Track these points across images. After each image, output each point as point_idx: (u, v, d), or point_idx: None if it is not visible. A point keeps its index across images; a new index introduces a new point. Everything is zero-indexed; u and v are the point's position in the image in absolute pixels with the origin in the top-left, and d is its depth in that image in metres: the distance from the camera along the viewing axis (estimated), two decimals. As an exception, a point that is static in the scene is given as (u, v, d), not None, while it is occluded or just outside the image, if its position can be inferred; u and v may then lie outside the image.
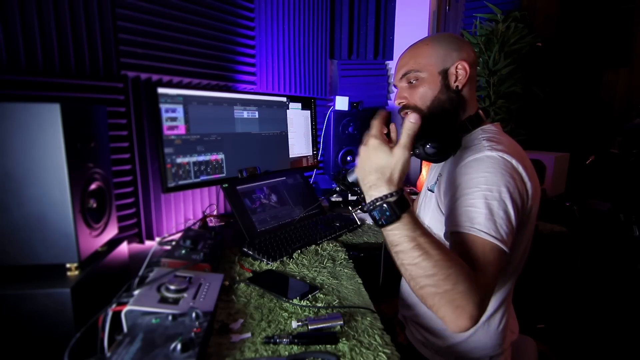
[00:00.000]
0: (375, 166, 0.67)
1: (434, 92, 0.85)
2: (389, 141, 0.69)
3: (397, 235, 0.65)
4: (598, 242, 1.73)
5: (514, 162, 0.73)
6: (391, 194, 0.65)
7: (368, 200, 0.67)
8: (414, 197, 1.26)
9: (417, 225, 0.65)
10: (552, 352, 1.08)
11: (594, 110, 2.25)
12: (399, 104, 0.91)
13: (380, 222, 0.65)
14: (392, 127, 0.78)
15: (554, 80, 2.24)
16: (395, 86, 0.93)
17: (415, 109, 0.87)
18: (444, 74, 0.84)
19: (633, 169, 1.80)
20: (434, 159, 0.85)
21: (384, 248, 1.10)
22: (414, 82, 0.87)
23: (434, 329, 0.89)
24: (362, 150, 0.70)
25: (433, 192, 0.90)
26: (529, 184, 0.74)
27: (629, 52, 2.12)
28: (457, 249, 0.69)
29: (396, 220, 0.64)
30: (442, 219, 0.83)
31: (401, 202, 0.65)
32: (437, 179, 0.90)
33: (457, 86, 0.84)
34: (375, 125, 0.70)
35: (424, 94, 0.86)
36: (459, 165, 0.79)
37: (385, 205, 0.64)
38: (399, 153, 0.66)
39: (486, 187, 0.70)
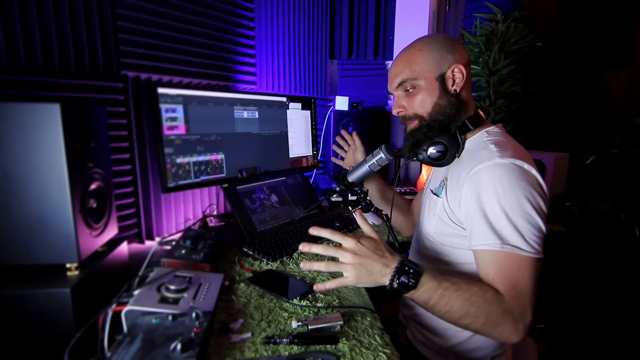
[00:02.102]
0: (377, 253, 0.72)
1: (434, 98, 0.84)
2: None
3: (426, 291, 0.69)
4: (598, 242, 1.73)
5: (525, 166, 0.73)
6: (401, 259, 0.71)
7: (388, 279, 0.70)
8: (412, 197, 1.26)
9: (435, 274, 0.71)
10: (552, 352, 1.08)
11: (594, 110, 2.25)
12: (397, 113, 0.90)
13: (411, 283, 0.69)
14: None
15: (554, 80, 2.24)
16: (390, 94, 0.92)
17: (416, 117, 0.87)
18: (441, 78, 0.83)
19: (633, 169, 1.80)
20: (438, 163, 0.85)
21: None
22: (410, 90, 0.86)
23: (435, 328, 0.89)
24: (357, 247, 0.72)
25: (439, 196, 0.88)
26: (544, 186, 0.75)
27: (629, 52, 2.12)
28: (488, 267, 0.72)
29: (422, 274, 0.70)
30: (451, 223, 0.83)
31: (410, 262, 0.71)
32: (443, 183, 0.89)
33: (455, 90, 0.84)
34: (346, 239, 0.74)
35: (423, 102, 0.85)
36: (469, 173, 0.77)
37: (406, 267, 0.70)
38: (374, 236, 0.76)
39: (505, 201, 0.70)
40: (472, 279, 0.73)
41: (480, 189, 0.74)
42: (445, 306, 0.69)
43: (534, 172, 0.74)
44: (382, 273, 0.70)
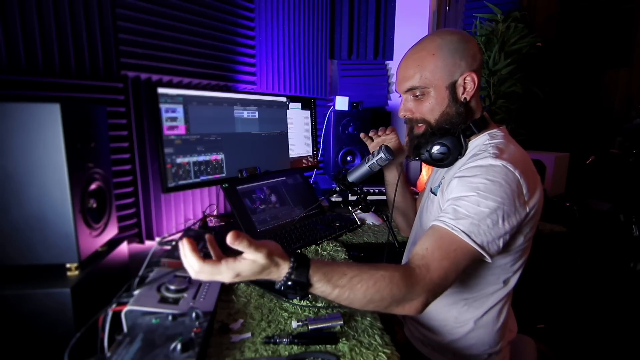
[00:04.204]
0: (256, 272, 0.61)
1: (442, 107, 0.83)
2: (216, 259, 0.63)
3: (320, 290, 0.64)
4: (598, 242, 1.73)
5: (516, 172, 0.73)
6: (289, 269, 0.62)
7: (278, 286, 0.64)
8: (415, 197, 1.25)
9: (324, 266, 0.64)
10: (552, 352, 1.08)
11: (594, 110, 2.25)
12: (403, 116, 0.88)
13: (299, 292, 0.64)
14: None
15: (554, 80, 2.24)
16: (398, 92, 0.91)
17: (423, 122, 0.86)
18: (452, 87, 0.81)
19: (633, 169, 1.80)
20: (439, 164, 0.85)
21: (387, 248, 1.10)
22: (420, 96, 0.84)
23: (432, 326, 0.89)
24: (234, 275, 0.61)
25: (436, 194, 0.90)
26: (527, 195, 0.74)
27: (629, 52, 2.12)
28: (430, 238, 0.72)
29: (307, 281, 0.62)
30: None
31: (299, 266, 0.62)
32: (441, 182, 0.90)
33: (465, 98, 0.82)
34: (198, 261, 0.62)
35: (432, 109, 0.84)
36: (462, 169, 0.79)
37: (289, 283, 0.62)
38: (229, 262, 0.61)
39: (483, 193, 0.71)
40: (378, 263, 0.69)
41: (466, 180, 0.75)
42: (347, 300, 0.65)
43: (522, 180, 0.73)
44: (272, 278, 0.63)
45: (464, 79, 0.81)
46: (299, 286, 0.62)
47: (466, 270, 0.73)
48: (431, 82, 0.81)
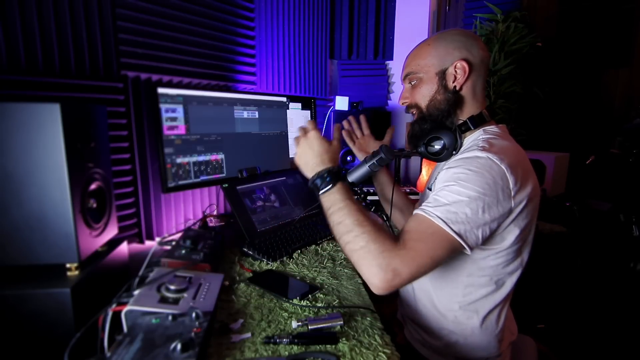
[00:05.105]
0: (318, 151, 0.86)
1: (431, 92, 0.87)
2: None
3: (331, 198, 0.79)
4: (598, 242, 1.73)
5: (502, 165, 0.72)
6: (332, 167, 0.84)
7: (312, 175, 0.84)
8: (415, 197, 1.26)
9: (349, 193, 0.80)
10: (552, 352, 1.08)
11: (594, 110, 2.25)
12: (402, 103, 0.94)
13: (321, 187, 0.81)
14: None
15: (554, 80, 2.24)
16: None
17: (416, 107, 0.90)
18: (442, 74, 0.85)
19: (633, 169, 1.80)
20: (435, 157, 0.86)
21: None
22: (414, 83, 0.89)
23: (431, 328, 0.89)
24: (303, 140, 0.88)
25: (431, 190, 0.91)
26: (515, 189, 0.73)
27: (629, 52, 2.12)
28: (410, 223, 0.74)
29: (333, 185, 0.80)
30: None
31: (338, 173, 0.83)
32: (436, 178, 0.90)
33: (455, 86, 0.84)
34: (312, 123, 0.91)
35: (424, 94, 0.88)
36: (449, 161, 0.82)
37: (326, 174, 0.82)
38: (335, 144, 0.90)
39: (464, 182, 0.72)
40: (379, 225, 0.76)
41: (450, 171, 0.76)
42: (340, 217, 0.76)
43: (509, 173, 0.72)
44: (312, 169, 0.85)
45: (455, 66, 0.83)
46: (331, 177, 0.81)
47: (444, 259, 0.72)
48: (422, 69, 0.87)
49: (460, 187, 0.72)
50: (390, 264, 0.68)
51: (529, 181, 0.76)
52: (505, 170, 0.72)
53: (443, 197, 0.73)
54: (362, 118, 1.23)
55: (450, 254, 0.72)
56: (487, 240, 0.75)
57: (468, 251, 0.71)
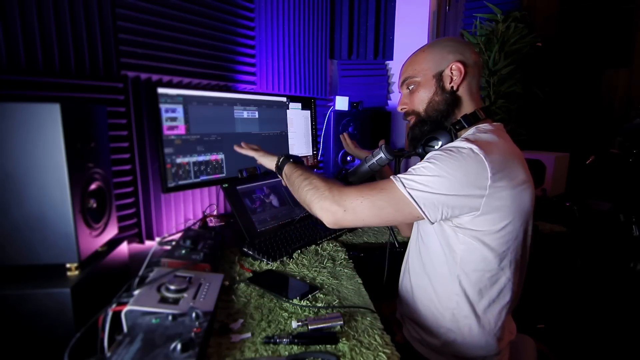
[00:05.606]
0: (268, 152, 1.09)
1: (430, 94, 0.89)
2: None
3: (290, 168, 0.96)
4: (598, 242, 1.73)
5: (482, 154, 0.73)
6: (280, 156, 1.03)
7: (276, 161, 1.03)
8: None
9: (301, 165, 0.97)
10: (552, 352, 1.08)
11: (594, 110, 2.25)
12: (401, 109, 0.96)
13: (281, 165, 1.00)
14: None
15: (554, 80, 2.24)
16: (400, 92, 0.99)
17: (413, 113, 0.93)
18: (439, 76, 0.88)
19: (633, 169, 1.80)
20: None
21: (388, 247, 1.11)
22: (412, 87, 0.92)
23: (429, 327, 0.90)
24: (254, 152, 1.10)
25: None
26: (492, 178, 0.73)
27: (629, 52, 2.12)
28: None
29: (287, 161, 0.99)
30: None
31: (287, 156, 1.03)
32: None
33: (452, 87, 0.87)
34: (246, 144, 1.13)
35: (421, 98, 0.90)
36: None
37: (283, 156, 1.02)
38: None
39: (437, 162, 0.76)
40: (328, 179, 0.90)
41: (432, 154, 0.80)
42: (298, 178, 0.91)
43: (487, 162, 0.73)
44: (271, 160, 1.04)
45: (451, 68, 0.86)
46: (285, 159, 1.01)
47: (393, 217, 0.80)
48: (419, 72, 0.90)
49: (433, 165, 0.76)
50: (336, 198, 0.80)
51: (513, 174, 0.77)
52: (484, 158, 0.73)
53: (414, 169, 0.79)
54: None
55: (404, 215, 0.78)
56: (463, 227, 0.79)
57: (427, 217, 0.76)
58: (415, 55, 0.93)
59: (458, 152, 0.76)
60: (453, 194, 0.74)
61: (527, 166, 0.82)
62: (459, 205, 0.75)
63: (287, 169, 0.98)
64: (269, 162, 1.05)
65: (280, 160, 1.02)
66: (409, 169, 0.80)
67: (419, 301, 0.92)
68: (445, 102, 0.87)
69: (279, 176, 1.03)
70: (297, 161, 1.01)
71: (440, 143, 0.85)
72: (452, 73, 0.86)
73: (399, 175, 0.79)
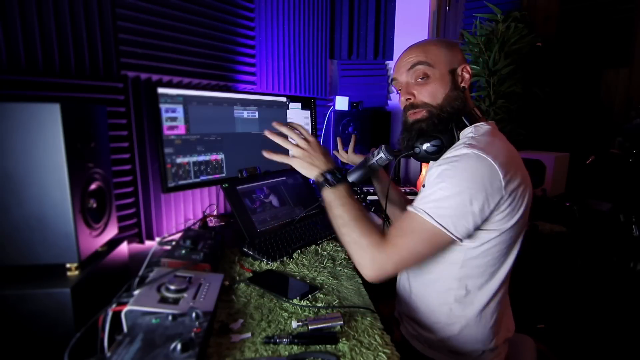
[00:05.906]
0: (324, 153, 0.90)
1: (445, 89, 0.86)
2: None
3: (337, 193, 0.84)
4: (598, 242, 1.73)
5: (489, 158, 0.74)
6: (338, 167, 0.89)
7: (323, 170, 0.87)
8: (413, 197, 1.26)
9: (352, 192, 0.86)
10: (551, 352, 1.08)
11: (594, 110, 2.25)
12: (406, 99, 0.89)
13: (332, 181, 0.85)
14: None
15: (554, 80, 2.24)
16: (393, 82, 0.94)
17: (425, 106, 0.87)
18: (453, 73, 0.87)
19: (633, 169, 1.80)
20: (434, 157, 0.87)
21: None
22: (423, 79, 0.86)
23: (425, 323, 0.90)
24: (307, 146, 0.89)
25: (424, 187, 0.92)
26: (505, 180, 0.74)
27: (629, 52, 2.12)
28: (397, 219, 0.82)
29: (341, 182, 0.85)
30: None
31: (343, 173, 0.90)
32: (428, 175, 0.92)
33: (463, 86, 0.88)
34: (305, 128, 0.93)
35: (435, 92, 0.86)
36: (439, 159, 0.84)
37: (336, 171, 0.87)
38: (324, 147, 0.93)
39: (450, 179, 0.75)
40: (372, 224, 0.83)
41: (439, 169, 0.79)
42: (339, 211, 0.82)
43: (497, 164, 0.74)
44: (319, 167, 0.87)
45: (462, 69, 0.88)
46: (341, 174, 0.87)
47: (430, 252, 0.78)
48: (435, 63, 0.85)
49: (447, 183, 0.75)
50: (376, 258, 0.76)
51: (517, 173, 0.79)
52: (493, 162, 0.74)
53: (432, 193, 0.77)
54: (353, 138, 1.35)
55: (438, 247, 0.78)
56: (480, 229, 0.78)
57: (460, 242, 0.76)
58: (427, 44, 0.88)
59: (466, 161, 0.75)
60: (479, 206, 0.74)
61: (522, 162, 0.85)
62: (486, 212, 0.75)
63: (325, 195, 0.86)
64: (308, 172, 0.90)
65: (329, 171, 0.86)
66: (424, 194, 0.78)
67: (416, 298, 0.93)
68: (461, 99, 0.87)
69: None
70: (339, 182, 0.85)
71: (440, 142, 0.85)
72: (462, 74, 0.87)
73: (419, 206, 0.77)
